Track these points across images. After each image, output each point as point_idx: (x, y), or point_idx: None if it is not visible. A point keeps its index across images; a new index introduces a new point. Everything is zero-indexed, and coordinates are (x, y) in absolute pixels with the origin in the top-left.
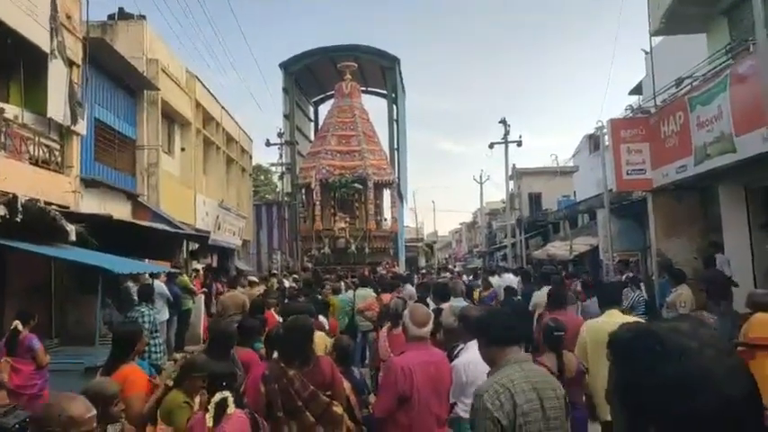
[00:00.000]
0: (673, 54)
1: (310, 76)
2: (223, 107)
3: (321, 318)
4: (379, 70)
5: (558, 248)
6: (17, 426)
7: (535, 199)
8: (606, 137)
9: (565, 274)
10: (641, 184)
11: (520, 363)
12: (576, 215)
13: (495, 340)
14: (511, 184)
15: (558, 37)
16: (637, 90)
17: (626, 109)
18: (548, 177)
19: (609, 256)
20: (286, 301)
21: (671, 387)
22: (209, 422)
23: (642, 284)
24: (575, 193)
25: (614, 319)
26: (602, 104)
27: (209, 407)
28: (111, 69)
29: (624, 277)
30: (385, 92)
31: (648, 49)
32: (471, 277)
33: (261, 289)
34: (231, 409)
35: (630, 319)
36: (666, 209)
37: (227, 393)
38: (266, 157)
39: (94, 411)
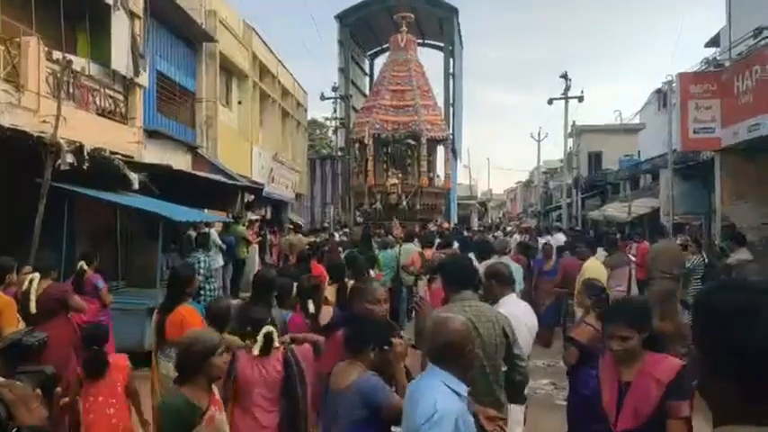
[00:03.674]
0: (756, 2)
1: (366, 28)
2: (279, 60)
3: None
4: (437, 21)
5: (615, 210)
6: (37, 343)
7: (595, 158)
8: (674, 92)
9: (621, 236)
10: (709, 143)
11: (463, 300)
12: (639, 176)
13: (449, 282)
14: (570, 141)
15: None
16: (714, 42)
17: (701, 62)
18: (609, 135)
19: (670, 219)
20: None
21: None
22: (256, 351)
23: (702, 248)
24: (639, 152)
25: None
26: (673, 57)
27: (258, 338)
28: (171, 21)
29: (679, 240)
30: (442, 44)
31: None
32: (525, 237)
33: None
34: (277, 342)
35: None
36: (735, 170)
37: (271, 328)
38: (322, 110)
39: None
